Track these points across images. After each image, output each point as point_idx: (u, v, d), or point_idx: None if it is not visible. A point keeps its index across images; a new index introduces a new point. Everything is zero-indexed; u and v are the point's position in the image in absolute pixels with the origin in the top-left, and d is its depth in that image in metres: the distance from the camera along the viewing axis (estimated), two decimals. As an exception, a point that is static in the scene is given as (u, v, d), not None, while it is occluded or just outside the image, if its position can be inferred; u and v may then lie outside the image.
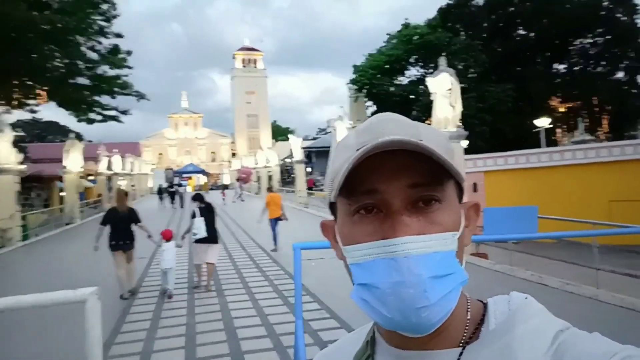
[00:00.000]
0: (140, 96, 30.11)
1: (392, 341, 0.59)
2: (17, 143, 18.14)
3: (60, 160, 23.22)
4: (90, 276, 9.28)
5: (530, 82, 31.30)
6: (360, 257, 0.54)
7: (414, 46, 33.07)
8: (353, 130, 0.60)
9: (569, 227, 8.72)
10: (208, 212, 8.12)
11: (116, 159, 33.02)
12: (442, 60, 13.23)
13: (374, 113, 38.16)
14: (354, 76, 35.82)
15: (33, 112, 29.16)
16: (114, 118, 30.41)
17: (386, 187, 0.53)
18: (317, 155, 49.78)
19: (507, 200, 14.17)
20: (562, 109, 35.02)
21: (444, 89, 12.75)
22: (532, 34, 34.69)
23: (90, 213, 26.11)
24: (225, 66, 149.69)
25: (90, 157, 31.85)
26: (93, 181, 33.75)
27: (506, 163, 18.18)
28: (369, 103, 38.04)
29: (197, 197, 8.46)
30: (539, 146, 23.05)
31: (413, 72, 36.64)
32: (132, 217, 7.89)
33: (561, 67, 35.91)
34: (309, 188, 30.47)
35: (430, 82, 13.32)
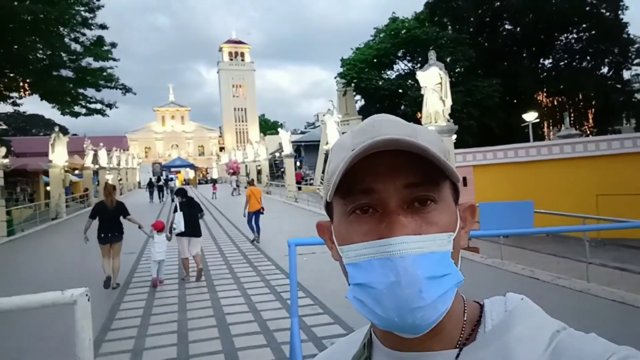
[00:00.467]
0: (126, 90, 29.64)
1: (389, 343, 0.59)
2: (0, 136, 17.76)
3: (45, 154, 22.84)
4: (78, 272, 9.18)
5: (517, 77, 31.55)
6: (356, 257, 0.54)
7: (402, 40, 33.03)
8: (349, 131, 0.60)
9: (560, 221, 8.79)
10: (188, 206, 8.32)
11: (102, 153, 32.55)
12: (432, 54, 13.23)
13: (362, 107, 38.40)
14: (342, 70, 35.69)
15: (15, 104, 28.51)
16: (99, 111, 29.87)
17: (382, 187, 0.53)
18: (305, 149, 49.65)
19: (496, 195, 14.29)
20: (548, 104, 35.39)
21: (434, 82, 12.76)
22: (518, 29, 34.96)
23: (76, 208, 25.74)
24: (212, 59, 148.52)
25: (76, 150, 31.38)
26: (79, 175, 33.26)
27: (495, 157, 18.32)
28: (358, 97, 37.99)
29: (179, 192, 8.75)
30: (526, 141, 23.26)
31: (401, 66, 36.71)
32: (120, 210, 8.08)
33: (547, 62, 36.30)
34: (298, 182, 30.37)
35: (420, 76, 13.31)
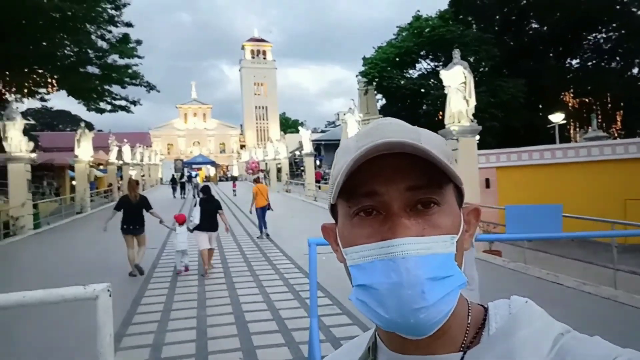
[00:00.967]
0: (151, 87, 30.12)
1: (393, 346, 0.59)
2: (28, 131, 18.21)
3: (71, 149, 23.33)
4: (101, 265, 9.36)
5: (542, 76, 30.87)
6: (359, 258, 0.54)
7: (425, 39, 32.61)
8: (354, 134, 0.61)
9: (586, 226, 8.54)
10: (206, 202, 8.81)
11: (126, 149, 33.11)
12: (456, 53, 12.99)
13: (383, 106, 38.07)
14: (363, 68, 35.47)
15: (43, 100, 29.30)
16: (124, 108, 30.47)
17: (385, 190, 0.54)
18: (325, 148, 49.64)
19: (520, 197, 14.00)
20: (574, 105, 34.55)
21: (458, 82, 12.55)
22: (544, 28, 34.20)
23: (100, 202, 26.25)
24: (234, 57, 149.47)
25: (101, 146, 31.98)
26: (103, 170, 33.94)
27: (520, 159, 17.96)
28: (379, 96, 37.71)
29: (204, 189, 9.34)
30: (551, 142, 22.75)
31: (424, 65, 36.27)
32: (143, 204, 8.63)
33: (574, 62, 35.44)
34: (317, 181, 30.36)
35: (444, 75, 13.10)
